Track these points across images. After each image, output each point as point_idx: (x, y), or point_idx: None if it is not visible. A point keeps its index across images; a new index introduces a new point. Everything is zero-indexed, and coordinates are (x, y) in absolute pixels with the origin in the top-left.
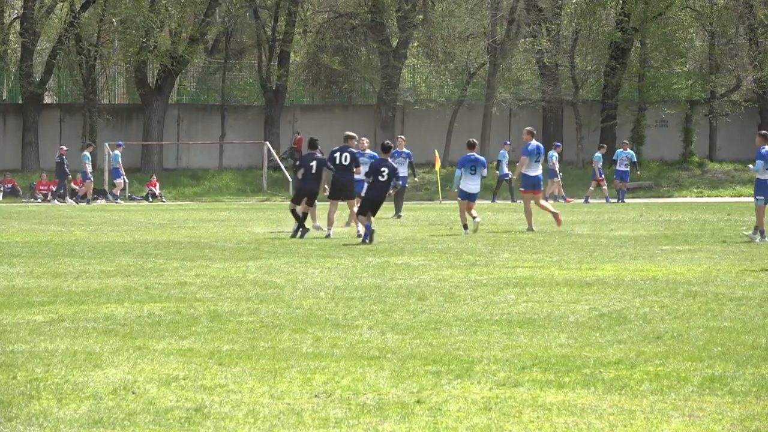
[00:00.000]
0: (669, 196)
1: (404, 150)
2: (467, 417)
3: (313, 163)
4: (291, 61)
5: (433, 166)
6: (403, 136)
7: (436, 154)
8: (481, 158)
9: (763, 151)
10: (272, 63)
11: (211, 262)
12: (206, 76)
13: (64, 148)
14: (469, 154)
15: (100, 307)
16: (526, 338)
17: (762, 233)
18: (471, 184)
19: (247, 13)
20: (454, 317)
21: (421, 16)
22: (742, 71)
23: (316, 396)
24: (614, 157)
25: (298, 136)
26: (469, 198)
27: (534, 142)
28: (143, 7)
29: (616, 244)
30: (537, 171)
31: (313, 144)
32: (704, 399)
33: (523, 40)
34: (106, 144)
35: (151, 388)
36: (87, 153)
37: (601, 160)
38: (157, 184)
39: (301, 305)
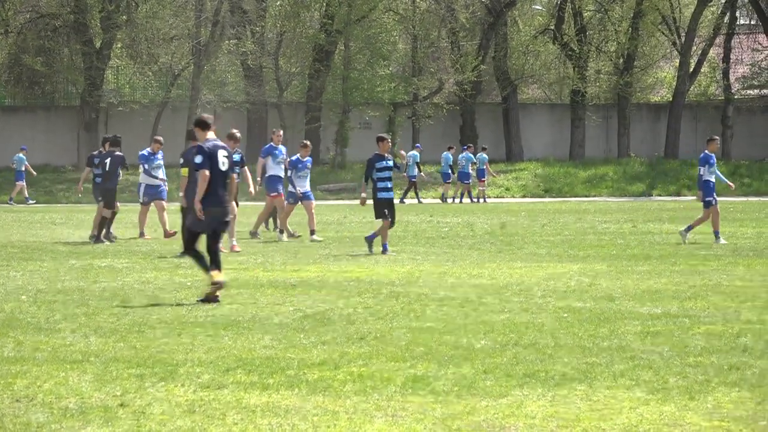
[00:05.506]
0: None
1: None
2: (171, 420)
3: (107, 161)
4: None
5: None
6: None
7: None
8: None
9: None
10: None
11: None
12: None
13: None
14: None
15: None
16: (230, 340)
17: (717, 234)
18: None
19: None
20: (158, 320)
21: (125, 17)
22: (444, 74)
23: (17, 401)
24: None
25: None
26: None
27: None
28: None
29: (321, 246)
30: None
31: (115, 142)
32: (407, 399)
33: (227, 41)
34: None
35: None
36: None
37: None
38: None
39: (2, 309)
